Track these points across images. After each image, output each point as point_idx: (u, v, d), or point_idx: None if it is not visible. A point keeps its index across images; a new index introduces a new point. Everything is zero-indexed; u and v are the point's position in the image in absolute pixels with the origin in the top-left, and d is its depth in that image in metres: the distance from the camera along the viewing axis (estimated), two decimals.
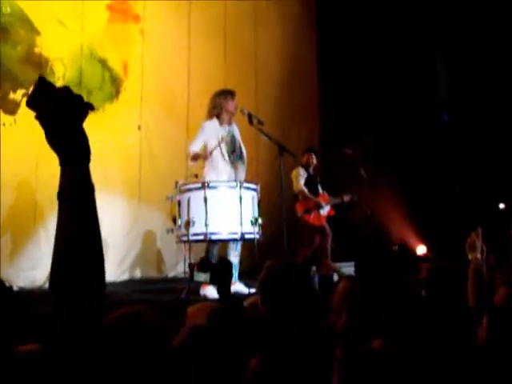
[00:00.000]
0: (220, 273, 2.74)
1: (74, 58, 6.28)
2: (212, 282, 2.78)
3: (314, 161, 7.07)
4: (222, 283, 2.72)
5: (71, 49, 6.26)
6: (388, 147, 8.30)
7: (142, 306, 1.84)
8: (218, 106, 5.30)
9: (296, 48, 8.88)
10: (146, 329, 1.68)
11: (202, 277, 2.76)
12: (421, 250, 7.63)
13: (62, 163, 1.29)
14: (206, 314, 2.38)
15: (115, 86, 6.65)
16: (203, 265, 2.79)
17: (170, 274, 6.93)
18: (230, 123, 5.35)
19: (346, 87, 8.62)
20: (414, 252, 7.63)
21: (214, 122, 5.28)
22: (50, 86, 1.28)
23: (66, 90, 1.28)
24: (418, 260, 7.18)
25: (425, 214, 7.55)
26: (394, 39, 8.23)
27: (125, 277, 6.51)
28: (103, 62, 6.56)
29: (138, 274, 6.71)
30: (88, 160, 1.33)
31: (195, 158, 5.19)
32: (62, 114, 1.26)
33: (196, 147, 5.22)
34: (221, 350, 2.07)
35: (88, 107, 1.30)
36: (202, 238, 4.68)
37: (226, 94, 5.37)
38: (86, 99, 1.30)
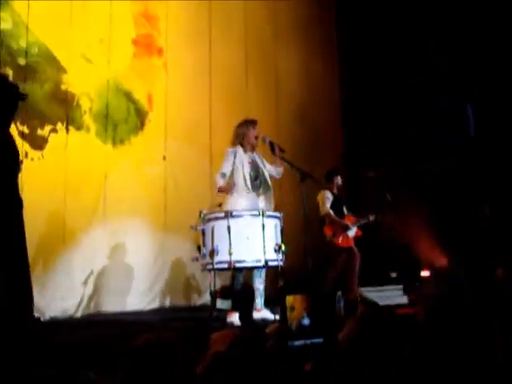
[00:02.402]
0: (241, 299, 2.77)
1: (101, 92, 6.45)
2: (234, 308, 2.81)
3: (340, 182, 7.08)
4: (244, 310, 2.76)
5: (97, 83, 6.44)
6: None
7: (171, 334, 1.91)
8: (241, 135, 5.45)
9: (317, 69, 8.80)
10: (173, 355, 1.75)
11: (224, 304, 2.80)
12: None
13: None
14: (228, 341, 2.43)
15: (140, 118, 6.80)
16: (225, 292, 2.83)
17: (199, 302, 6.92)
18: (252, 151, 5.49)
19: (370, 98, 8.56)
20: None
21: (239, 149, 5.41)
22: None
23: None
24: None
25: (450, 233, 7.38)
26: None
27: (153, 306, 6.56)
28: (128, 95, 6.72)
29: (166, 302, 6.75)
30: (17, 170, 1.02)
31: (220, 190, 5.31)
32: None
33: (226, 171, 5.31)
34: (241, 375, 2.11)
35: (22, 96, 1.06)
36: (226, 266, 4.65)
37: (248, 123, 5.51)
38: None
